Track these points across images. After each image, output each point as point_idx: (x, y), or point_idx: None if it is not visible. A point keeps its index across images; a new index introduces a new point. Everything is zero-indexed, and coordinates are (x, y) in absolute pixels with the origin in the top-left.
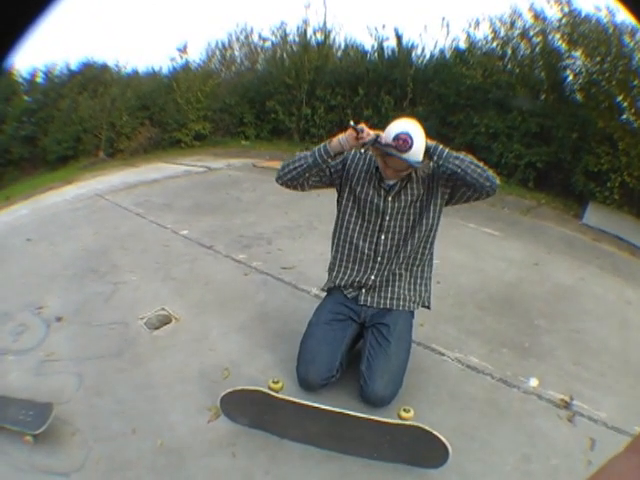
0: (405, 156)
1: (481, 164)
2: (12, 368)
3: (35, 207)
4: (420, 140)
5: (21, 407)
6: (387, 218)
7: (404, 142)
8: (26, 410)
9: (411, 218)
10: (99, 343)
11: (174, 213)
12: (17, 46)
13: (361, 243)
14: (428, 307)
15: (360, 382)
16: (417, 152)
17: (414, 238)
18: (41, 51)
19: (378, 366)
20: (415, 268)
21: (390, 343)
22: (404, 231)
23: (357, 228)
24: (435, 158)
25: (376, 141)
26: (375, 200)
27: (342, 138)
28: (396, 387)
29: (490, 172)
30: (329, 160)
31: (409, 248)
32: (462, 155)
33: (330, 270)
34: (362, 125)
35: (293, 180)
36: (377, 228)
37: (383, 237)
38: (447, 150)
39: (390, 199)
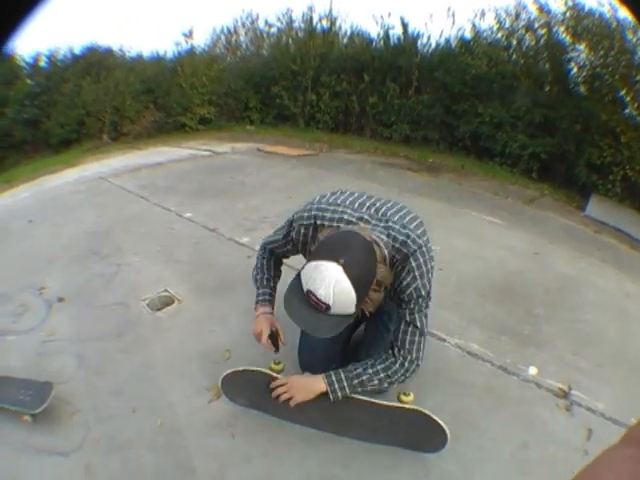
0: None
1: (384, 379)
2: (12, 348)
3: (37, 190)
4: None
5: (20, 387)
6: None
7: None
8: (25, 390)
9: None
10: (100, 324)
11: (178, 196)
12: (17, 30)
13: None
14: None
15: None
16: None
17: None
18: (44, 35)
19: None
20: None
21: (390, 330)
22: None
23: None
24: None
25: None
26: None
27: (254, 327)
28: None
29: (394, 378)
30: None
31: None
32: (364, 378)
33: None
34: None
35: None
36: None
37: None
38: (346, 384)
39: None
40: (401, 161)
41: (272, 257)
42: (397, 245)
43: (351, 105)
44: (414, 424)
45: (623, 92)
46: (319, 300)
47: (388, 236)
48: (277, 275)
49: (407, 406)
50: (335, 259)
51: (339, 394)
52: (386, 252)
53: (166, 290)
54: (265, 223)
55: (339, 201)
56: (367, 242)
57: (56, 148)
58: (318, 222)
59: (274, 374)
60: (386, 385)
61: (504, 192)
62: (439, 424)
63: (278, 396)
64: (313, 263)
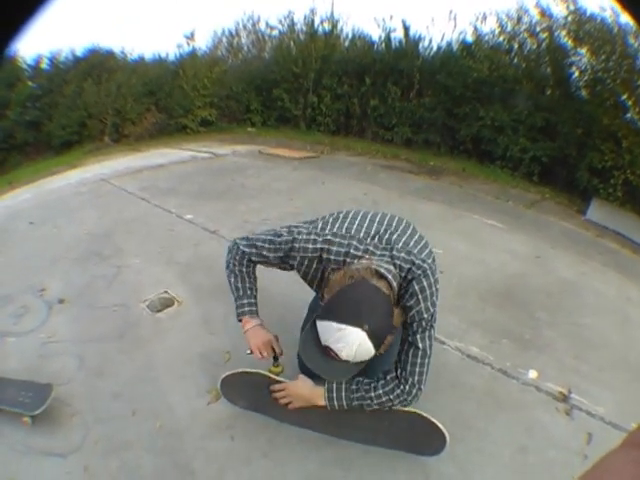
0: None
1: (386, 400)
2: (13, 350)
3: (39, 191)
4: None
5: (20, 388)
6: None
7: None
8: (25, 391)
9: None
10: (101, 325)
11: (179, 198)
12: (21, 33)
13: None
14: None
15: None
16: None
17: None
18: (46, 38)
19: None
20: None
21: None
22: None
23: None
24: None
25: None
26: None
27: (251, 342)
28: None
29: (396, 401)
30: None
31: None
32: (367, 401)
33: None
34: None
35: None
36: None
37: None
38: (345, 403)
39: None
40: (402, 164)
41: (252, 266)
42: (403, 274)
43: (352, 108)
44: (413, 427)
45: (625, 97)
46: (339, 357)
47: (394, 266)
48: (256, 283)
49: (406, 409)
50: (359, 324)
51: (336, 406)
52: (395, 285)
53: (166, 292)
54: (266, 225)
55: (344, 230)
56: (385, 296)
57: (58, 150)
58: (324, 256)
59: (273, 376)
60: (386, 407)
61: (505, 195)
62: (438, 427)
63: (273, 394)
64: (335, 325)
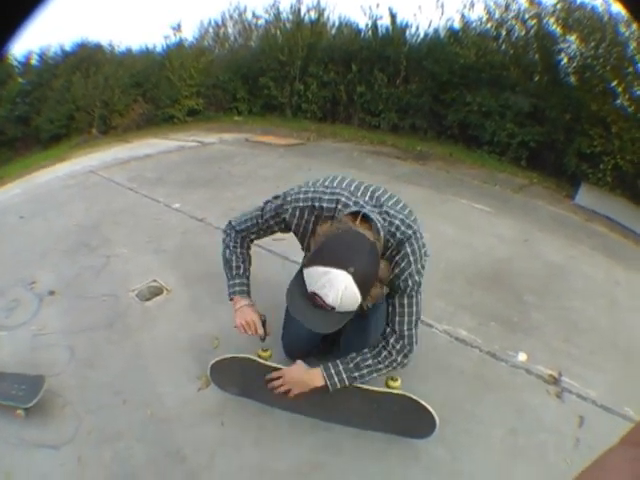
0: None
1: (381, 367)
2: (4, 343)
3: (28, 185)
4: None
5: (13, 381)
6: None
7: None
8: (18, 384)
9: None
10: (91, 316)
11: (166, 187)
12: (16, 34)
13: None
14: None
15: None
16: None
17: None
18: (36, 34)
19: (357, 340)
20: None
21: (368, 318)
22: None
23: None
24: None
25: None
26: None
27: (237, 319)
28: None
29: (393, 365)
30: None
31: None
32: (363, 370)
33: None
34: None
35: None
36: None
37: None
38: (345, 376)
39: None
40: (389, 149)
41: (245, 244)
42: (392, 229)
43: (339, 95)
44: (403, 410)
45: (614, 83)
46: (325, 303)
47: (384, 220)
48: (250, 264)
49: (395, 391)
50: (344, 267)
51: (338, 386)
52: (382, 236)
53: (155, 280)
54: None
55: (335, 184)
56: (371, 243)
57: (46, 144)
58: (316, 204)
59: (262, 361)
60: (384, 372)
61: (492, 180)
62: (428, 409)
63: (269, 385)
64: (321, 269)
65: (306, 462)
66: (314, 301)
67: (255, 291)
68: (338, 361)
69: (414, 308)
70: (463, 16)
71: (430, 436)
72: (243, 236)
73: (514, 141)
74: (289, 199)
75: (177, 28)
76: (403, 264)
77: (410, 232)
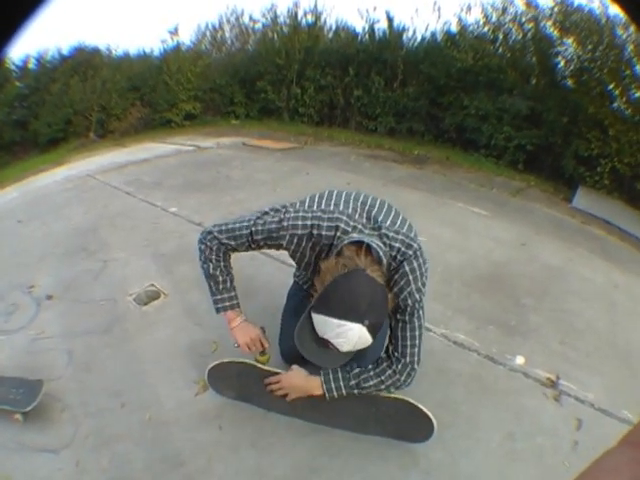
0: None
1: (383, 387)
2: (3, 347)
3: (26, 189)
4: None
5: (11, 386)
6: None
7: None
8: (16, 388)
9: None
10: (88, 320)
11: (164, 191)
12: (14, 38)
13: None
14: None
15: None
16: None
17: None
18: (34, 38)
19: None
20: None
21: None
22: None
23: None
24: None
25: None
26: None
27: (239, 339)
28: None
29: (394, 385)
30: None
31: None
32: (363, 391)
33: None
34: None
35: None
36: None
37: None
38: (344, 392)
39: None
40: (386, 153)
41: (227, 256)
42: (394, 253)
43: (336, 98)
44: (400, 413)
45: (612, 86)
46: (338, 350)
47: (384, 244)
48: (232, 274)
49: (393, 395)
50: (360, 320)
51: (335, 395)
52: (385, 263)
53: (152, 285)
54: None
55: (332, 206)
56: (382, 289)
57: (44, 148)
58: (314, 232)
59: (260, 365)
60: (383, 388)
61: (490, 183)
62: (426, 414)
63: (267, 388)
64: (335, 321)
65: (304, 465)
66: (326, 345)
67: (252, 296)
68: (339, 374)
69: (416, 326)
70: (460, 19)
71: (428, 440)
72: (226, 250)
73: (511, 144)
74: (286, 224)
75: (174, 32)
76: (402, 283)
77: (410, 252)
